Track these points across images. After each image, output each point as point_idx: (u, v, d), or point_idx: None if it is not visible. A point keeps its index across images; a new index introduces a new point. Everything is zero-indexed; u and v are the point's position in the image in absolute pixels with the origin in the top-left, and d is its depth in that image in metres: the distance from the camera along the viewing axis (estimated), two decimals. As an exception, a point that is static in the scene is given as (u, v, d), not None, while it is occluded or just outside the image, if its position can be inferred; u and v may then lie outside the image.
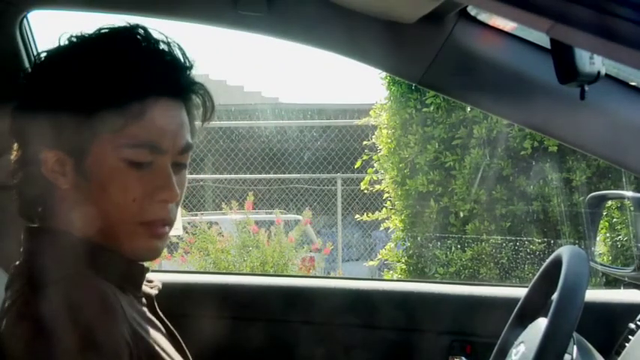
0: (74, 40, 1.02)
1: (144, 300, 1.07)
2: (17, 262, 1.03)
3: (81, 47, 1.01)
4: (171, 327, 1.10)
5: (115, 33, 1.01)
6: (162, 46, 1.01)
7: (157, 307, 1.09)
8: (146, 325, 1.00)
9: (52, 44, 1.04)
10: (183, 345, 1.10)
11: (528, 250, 4.58)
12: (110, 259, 1.01)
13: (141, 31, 1.00)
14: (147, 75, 0.98)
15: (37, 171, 0.99)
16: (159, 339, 1.00)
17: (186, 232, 5.37)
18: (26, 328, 0.90)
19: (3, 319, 0.94)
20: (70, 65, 0.99)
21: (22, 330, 0.91)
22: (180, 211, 1.15)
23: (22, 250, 1.03)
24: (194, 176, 8.20)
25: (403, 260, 4.89)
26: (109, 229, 1.00)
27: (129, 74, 0.97)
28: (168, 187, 1.00)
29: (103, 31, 1.02)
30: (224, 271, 5.07)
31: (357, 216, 5.29)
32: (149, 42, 1.00)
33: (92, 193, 0.98)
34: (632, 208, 1.68)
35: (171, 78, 1.01)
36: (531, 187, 4.55)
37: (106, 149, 0.97)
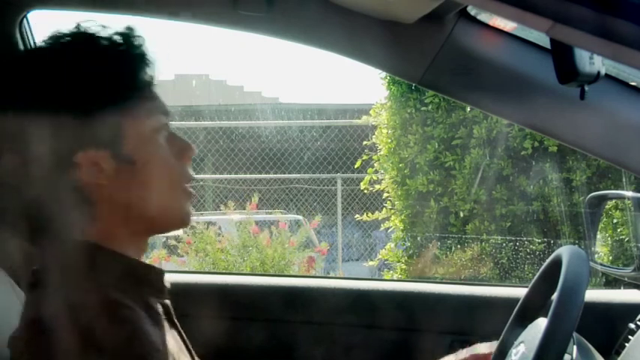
0: (67, 32, 1.01)
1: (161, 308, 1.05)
2: (40, 267, 0.99)
3: (82, 37, 1.01)
4: (184, 334, 1.09)
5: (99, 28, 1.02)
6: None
7: (173, 315, 1.08)
8: (166, 340, 0.98)
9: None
10: (193, 353, 1.10)
11: (528, 250, 4.58)
12: (134, 270, 1.00)
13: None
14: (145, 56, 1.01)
15: (68, 181, 0.96)
16: (175, 354, 0.99)
17: (186, 234, 5.36)
18: (46, 342, 0.88)
19: (24, 326, 0.93)
20: (84, 58, 0.98)
21: (42, 343, 0.89)
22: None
23: (44, 257, 1.00)
24: (194, 176, 8.19)
25: (403, 260, 4.89)
26: (158, 205, 1.00)
27: (130, 56, 0.99)
28: (188, 144, 1.04)
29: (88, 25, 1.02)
30: (224, 271, 5.06)
31: (357, 216, 5.29)
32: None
33: (137, 172, 0.98)
34: (632, 208, 1.68)
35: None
36: (531, 187, 4.55)
37: (136, 126, 0.98)
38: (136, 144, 0.98)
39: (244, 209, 5.72)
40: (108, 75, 0.97)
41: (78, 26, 1.01)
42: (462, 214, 4.64)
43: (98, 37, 1.00)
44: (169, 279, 1.08)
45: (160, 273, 1.05)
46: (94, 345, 0.86)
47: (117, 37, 1.00)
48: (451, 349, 1.54)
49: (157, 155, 1.00)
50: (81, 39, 1.00)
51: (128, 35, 1.00)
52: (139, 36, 1.01)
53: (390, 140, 4.87)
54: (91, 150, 0.95)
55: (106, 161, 0.96)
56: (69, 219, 0.96)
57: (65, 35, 1.01)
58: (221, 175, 8.27)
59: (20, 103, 0.95)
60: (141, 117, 0.99)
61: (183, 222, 1.05)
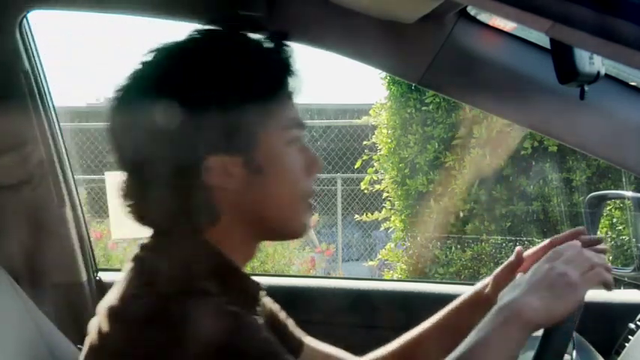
0: (197, 35, 1.00)
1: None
2: (142, 257, 0.98)
3: (233, 34, 1.00)
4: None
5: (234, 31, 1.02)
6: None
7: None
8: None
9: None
10: None
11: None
12: (240, 279, 1.01)
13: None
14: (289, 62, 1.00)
15: (195, 182, 0.95)
16: None
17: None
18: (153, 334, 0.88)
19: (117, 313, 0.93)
20: (235, 56, 0.97)
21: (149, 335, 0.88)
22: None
23: (158, 242, 0.99)
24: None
25: (403, 260, 4.89)
26: (279, 216, 1.01)
27: (279, 63, 0.99)
28: (316, 158, 1.04)
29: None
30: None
31: (357, 216, 5.29)
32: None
33: (265, 182, 0.98)
34: (632, 208, 1.68)
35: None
36: (531, 187, 4.55)
37: (272, 136, 0.98)
38: (269, 154, 0.97)
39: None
40: (255, 78, 0.96)
41: (228, 24, 1.01)
42: (461, 214, 4.63)
43: (249, 38, 0.99)
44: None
45: (257, 285, 1.06)
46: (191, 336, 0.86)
47: (268, 42, 0.99)
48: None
49: (288, 168, 1.00)
50: (232, 36, 1.00)
51: (280, 43, 1.00)
52: (288, 45, 1.00)
53: (390, 140, 4.87)
54: (224, 155, 0.95)
55: (236, 168, 0.96)
56: (190, 215, 0.96)
57: (214, 32, 1.01)
58: (221, 175, 8.26)
59: (163, 94, 0.93)
60: (279, 127, 0.99)
61: (299, 234, 1.05)
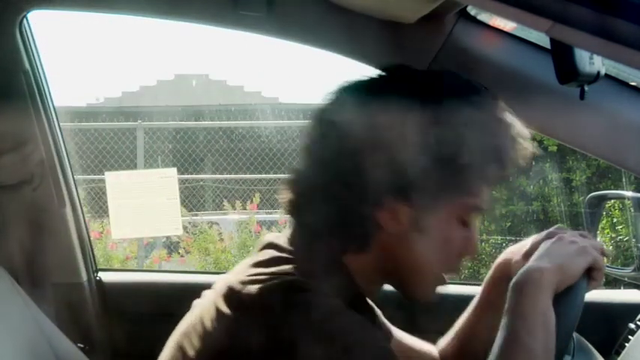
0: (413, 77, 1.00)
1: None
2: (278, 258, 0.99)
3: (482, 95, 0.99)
4: None
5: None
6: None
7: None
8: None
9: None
10: None
11: (528, 250, 4.58)
12: (362, 304, 1.03)
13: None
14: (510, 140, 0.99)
15: (367, 210, 0.96)
16: None
17: (187, 232, 5.37)
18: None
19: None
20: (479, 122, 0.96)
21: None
22: (179, 210, 1.15)
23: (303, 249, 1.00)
24: (194, 176, 8.21)
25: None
26: (409, 273, 1.01)
27: (506, 137, 0.98)
28: (476, 246, 1.03)
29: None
30: (224, 271, 5.06)
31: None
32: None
33: (421, 243, 0.98)
34: (632, 208, 1.68)
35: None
36: (531, 187, 4.55)
37: (454, 207, 0.98)
38: (441, 221, 0.98)
39: (245, 209, 5.72)
40: (482, 148, 0.95)
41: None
42: (462, 214, 4.63)
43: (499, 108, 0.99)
44: (170, 279, 1.08)
45: (376, 315, 1.09)
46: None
47: (510, 117, 0.99)
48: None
49: (448, 242, 0.99)
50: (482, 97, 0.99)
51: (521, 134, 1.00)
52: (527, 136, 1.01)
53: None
54: (405, 203, 0.95)
55: (406, 218, 0.96)
56: (346, 234, 0.98)
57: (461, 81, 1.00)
58: (221, 175, 8.27)
59: (381, 125, 0.94)
60: (466, 202, 0.98)
61: (418, 299, 1.05)
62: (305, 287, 0.91)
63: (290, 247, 1.00)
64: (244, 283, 0.93)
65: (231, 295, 0.93)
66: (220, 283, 0.99)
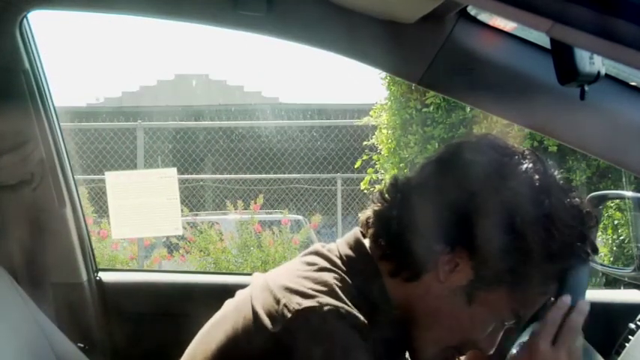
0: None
1: None
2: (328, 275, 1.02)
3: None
4: None
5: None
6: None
7: None
8: None
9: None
10: None
11: (528, 250, 4.57)
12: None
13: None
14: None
15: (433, 248, 0.99)
16: None
17: (186, 231, 5.37)
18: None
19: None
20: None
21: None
22: (179, 210, 1.16)
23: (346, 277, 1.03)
24: (194, 176, 8.21)
25: (403, 260, 4.89)
26: (432, 330, 1.03)
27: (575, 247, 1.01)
28: (492, 347, 1.05)
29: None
30: (224, 271, 5.06)
31: (358, 216, 5.28)
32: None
33: (454, 304, 1.00)
34: (632, 208, 1.68)
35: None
36: (531, 187, 4.54)
37: (504, 299, 0.99)
38: (482, 304, 0.99)
39: (245, 209, 5.72)
40: (564, 248, 0.98)
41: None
42: (462, 214, 4.63)
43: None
44: (170, 279, 1.08)
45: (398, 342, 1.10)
46: None
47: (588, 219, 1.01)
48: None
49: (482, 320, 1.01)
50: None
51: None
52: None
53: (390, 140, 4.87)
54: (469, 263, 0.98)
55: (461, 277, 0.99)
56: (401, 261, 1.02)
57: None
58: (221, 175, 8.28)
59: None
60: (513, 298, 0.99)
61: (416, 357, 1.07)
62: (342, 315, 0.93)
63: (338, 259, 1.03)
64: (289, 290, 0.96)
65: (274, 308, 0.96)
66: (259, 281, 1.02)
